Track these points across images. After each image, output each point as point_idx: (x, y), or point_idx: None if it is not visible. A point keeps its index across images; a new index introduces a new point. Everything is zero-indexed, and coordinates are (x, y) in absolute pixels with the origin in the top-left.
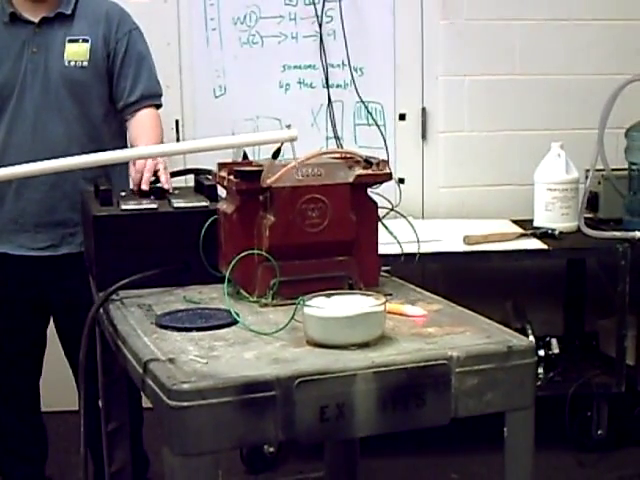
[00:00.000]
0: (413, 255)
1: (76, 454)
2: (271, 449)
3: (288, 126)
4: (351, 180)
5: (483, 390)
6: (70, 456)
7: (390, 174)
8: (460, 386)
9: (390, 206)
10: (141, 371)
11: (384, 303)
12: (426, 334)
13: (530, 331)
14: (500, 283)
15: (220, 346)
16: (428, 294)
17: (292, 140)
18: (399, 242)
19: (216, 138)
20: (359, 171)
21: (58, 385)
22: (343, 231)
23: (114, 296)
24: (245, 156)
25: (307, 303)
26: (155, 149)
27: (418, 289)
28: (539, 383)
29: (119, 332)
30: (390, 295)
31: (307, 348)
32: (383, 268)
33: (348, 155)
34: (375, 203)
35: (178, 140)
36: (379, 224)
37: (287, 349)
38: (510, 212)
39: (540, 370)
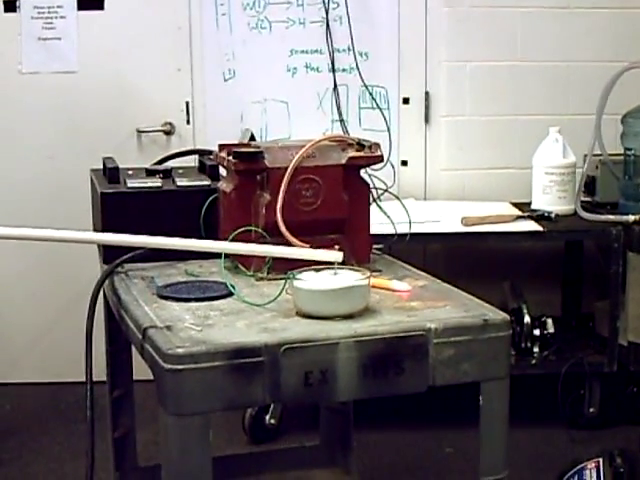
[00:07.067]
0: (406, 235)
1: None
2: (272, 421)
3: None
4: (344, 162)
5: (459, 360)
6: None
7: (381, 156)
8: (437, 356)
9: (385, 187)
10: (140, 337)
11: (368, 277)
12: (408, 307)
13: (526, 311)
14: (499, 264)
15: (215, 315)
16: (416, 271)
17: (336, 262)
18: (392, 222)
19: (263, 246)
20: (352, 153)
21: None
22: (335, 210)
23: (119, 269)
24: (252, 138)
25: (297, 277)
26: (183, 242)
27: (407, 266)
28: (534, 362)
29: (122, 301)
30: (379, 271)
31: (295, 319)
32: (375, 246)
33: (342, 138)
34: (367, 184)
35: (188, 122)
36: (375, 204)
37: (277, 319)
38: (510, 195)
39: (535, 349)
